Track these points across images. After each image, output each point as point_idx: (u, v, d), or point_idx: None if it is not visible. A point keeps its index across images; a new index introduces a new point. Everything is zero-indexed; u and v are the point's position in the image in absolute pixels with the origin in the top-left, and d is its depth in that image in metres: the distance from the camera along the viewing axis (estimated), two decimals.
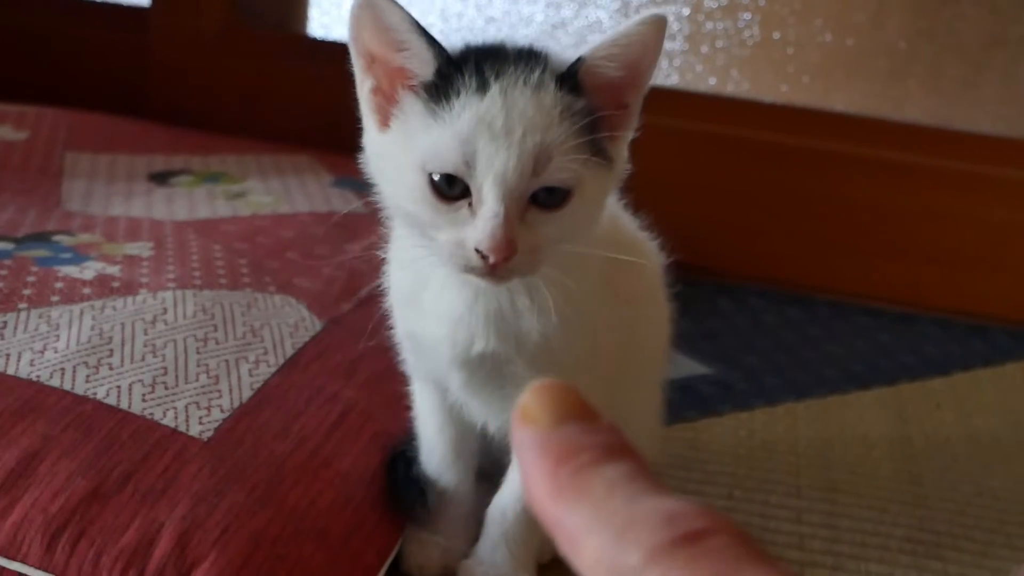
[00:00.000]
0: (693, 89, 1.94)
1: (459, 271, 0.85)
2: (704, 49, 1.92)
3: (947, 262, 1.84)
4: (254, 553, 0.95)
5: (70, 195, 1.62)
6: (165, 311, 1.20)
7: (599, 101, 0.85)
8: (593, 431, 0.37)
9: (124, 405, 1.05)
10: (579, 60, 0.84)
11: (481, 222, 0.81)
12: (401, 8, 0.83)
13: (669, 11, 1.85)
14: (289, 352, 1.19)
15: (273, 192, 1.69)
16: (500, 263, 0.81)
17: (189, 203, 1.62)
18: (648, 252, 1.09)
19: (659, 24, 0.83)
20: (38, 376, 1.07)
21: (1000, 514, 1.30)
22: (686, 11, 1.91)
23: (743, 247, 1.91)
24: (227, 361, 1.14)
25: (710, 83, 1.92)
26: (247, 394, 1.10)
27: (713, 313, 1.81)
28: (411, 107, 0.85)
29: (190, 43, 2.05)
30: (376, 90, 0.87)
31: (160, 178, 1.73)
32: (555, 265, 0.87)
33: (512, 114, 0.81)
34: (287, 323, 1.24)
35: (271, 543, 0.96)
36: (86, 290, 1.23)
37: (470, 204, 0.82)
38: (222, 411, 1.07)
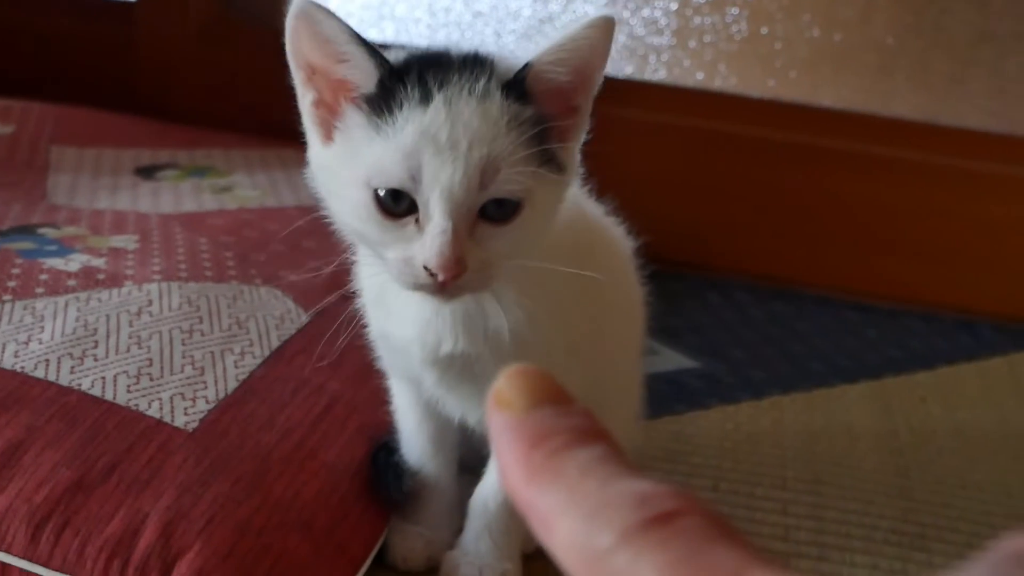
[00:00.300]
0: (681, 84, 1.94)
1: (409, 288, 0.83)
2: (692, 44, 1.92)
3: (933, 257, 1.84)
4: (239, 543, 0.95)
5: (56, 189, 1.61)
6: (150, 303, 1.20)
7: (548, 107, 0.83)
8: (567, 414, 0.37)
9: (109, 396, 1.05)
10: (526, 66, 0.82)
11: (429, 239, 0.79)
12: (338, 19, 0.80)
13: (658, 6, 1.86)
14: (275, 344, 1.19)
15: (260, 186, 1.69)
16: (449, 281, 0.80)
17: (175, 197, 1.62)
18: (616, 238, 1.09)
19: (607, 26, 0.81)
20: (22, 367, 1.07)
21: (985, 506, 1.30)
22: (674, 6, 1.91)
23: (730, 242, 1.91)
24: (212, 352, 1.14)
25: (698, 78, 1.92)
26: (232, 385, 1.10)
27: (700, 307, 1.81)
28: (353, 120, 0.83)
29: (177, 36, 2.05)
30: (318, 103, 0.85)
31: (146, 172, 1.73)
32: (510, 280, 0.87)
33: (457, 126, 0.78)
34: (273, 315, 1.24)
35: (256, 534, 0.96)
36: (71, 282, 1.22)
37: (417, 220, 0.80)
38: (207, 402, 1.07)
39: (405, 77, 0.81)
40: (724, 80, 1.91)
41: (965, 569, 0.31)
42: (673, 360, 1.60)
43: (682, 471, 1.32)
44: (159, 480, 0.98)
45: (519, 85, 0.82)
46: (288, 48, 0.82)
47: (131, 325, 1.15)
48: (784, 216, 1.88)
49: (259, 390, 1.11)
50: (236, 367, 1.13)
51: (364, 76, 0.81)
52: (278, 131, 1.94)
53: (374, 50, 0.81)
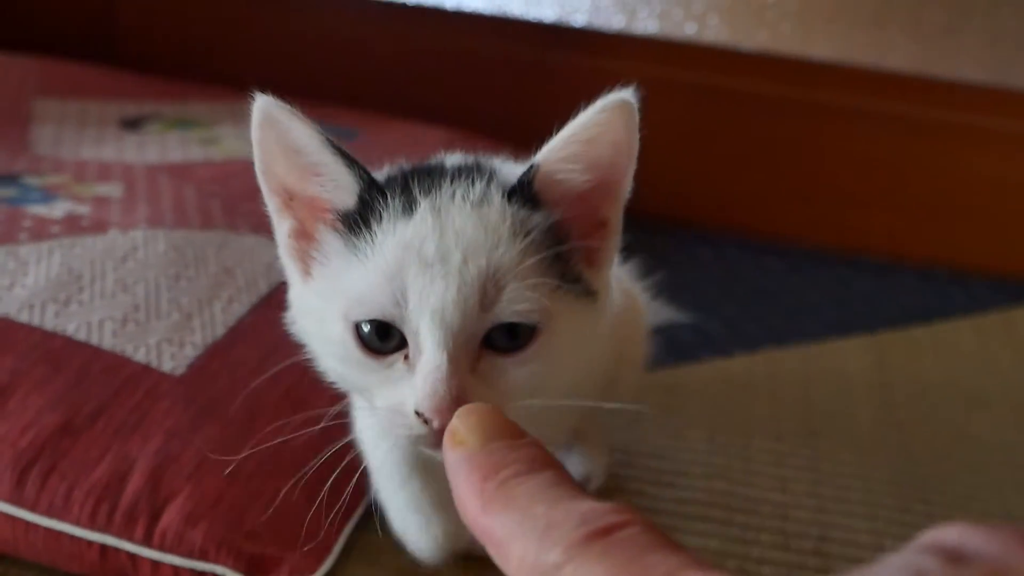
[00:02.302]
0: (671, 36, 1.91)
1: (403, 442, 0.70)
2: None
3: (927, 212, 1.82)
4: (229, 488, 0.93)
5: (39, 140, 1.58)
6: (136, 249, 1.17)
7: (568, 216, 0.68)
8: (517, 447, 0.42)
9: (95, 341, 1.03)
10: (532, 167, 0.66)
11: (420, 377, 0.62)
12: (308, 123, 0.65)
13: None
14: (263, 291, 1.16)
15: (246, 138, 1.66)
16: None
17: (161, 148, 1.59)
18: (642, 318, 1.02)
19: (624, 110, 0.65)
20: (6, 312, 1.04)
21: (985, 457, 1.29)
22: None
23: (721, 197, 1.89)
24: (200, 299, 1.12)
25: (688, 30, 1.89)
26: (220, 331, 1.08)
27: (692, 263, 1.79)
28: (331, 246, 0.68)
29: None
30: (297, 233, 0.70)
31: (131, 124, 1.70)
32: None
33: (447, 235, 0.63)
34: (260, 263, 1.21)
35: (247, 479, 0.95)
36: (55, 228, 1.20)
37: (407, 357, 0.64)
38: (195, 348, 1.05)
39: (387, 188, 0.67)
40: (715, 32, 1.88)
41: (886, 560, 0.34)
42: (664, 314, 1.58)
43: (677, 423, 1.30)
44: (147, 425, 0.96)
45: (526, 189, 0.67)
46: (257, 167, 0.69)
47: (116, 271, 1.13)
48: (777, 171, 1.86)
49: (248, 336, 1.09)
50: (224, 313, 1.11)
51: (341, 191, 0.67)
52: (263, 84, 1.93)
53: (352, 160, 0.67)
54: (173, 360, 1.03)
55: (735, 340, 1.54)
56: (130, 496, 0.91)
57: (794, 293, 1.72)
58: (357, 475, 1.03)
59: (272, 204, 0.70)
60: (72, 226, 1.21)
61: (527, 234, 0.65)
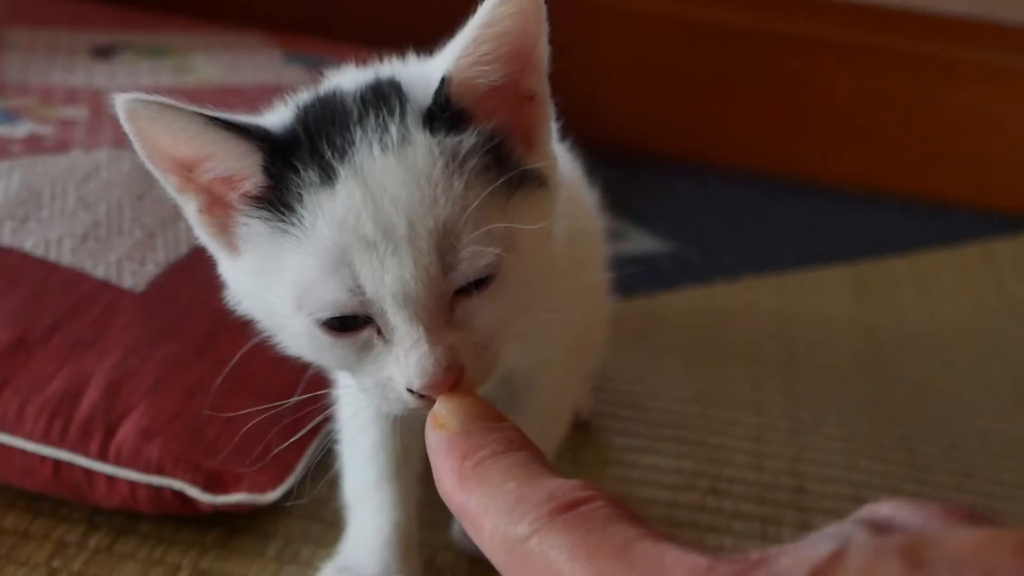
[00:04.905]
0: None
1: (402, 415, 0.63)
2: None
3: (910, 146, 1.80)
4: (188, 404, 0.91)
5: (7, 67, 1.55)
6: (99, 169, 1.14)
7: (495, 115, 0.61)
8: (495, 429, 0.45)
9: (53, 257, 1.00)
10: (443, 82, 0.59)
11: (403, 358, 0.57)
12: (178, 106, 0.59)
13: None
14: None
15: (220, 65, 1.63)
16: (451, 390, 0.57)
17: (132, 75, 1.56)
18: (595, 218, 0.91)
19: None
20: None
21: (961, 385, 1.28)
22: None
23: (703, 130, 1.87)
24: (163, 218, 1.09)
25: None
26: (184, 250, 1.06)
27: (673, 195, 1.76)
28: (254, 230, 0.60)
29: None
30: (208, 206, 0.62)
31: (103, 53, 1.67)
32: (520, 340, 0.67)
33: (381, 204, 0.56)
34: None
35: (206, 396, 0.92)
36: (16, 148, 1.17)
37: (379, 331, 0.59)
38: (157, 265, 1.03)
39: (295, 153, 0.59)
40: None
41: (824, 530, 0.36)
42: (644, 243, 1.57)
43: (651, 352, 1.28)
44: (104, 340, 0.94)
45: (445, 108, 0.60)
46: (142, 155, 0.61)
47: (78, 190, 1.10)
48: (759, 105, 1.84)
49: (212, 263, 1.06)
50: (188, 232, 1.07)
51: (241, 167, 0.60)
52: (240, 15, 1.90)
53: (243, 129, 0.59)
54: (134, 277, 1.00)
55: (715, 268, 1.52)
56: (85, 411, 0.89)
57: (775, 224, 1.71)
58: (323, 398, 1.02)
59: (171, 186, 0.62)
60: (34, 145, 1.18)
61: (463, 164, 0.58)
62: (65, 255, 1.01)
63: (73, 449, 0.88)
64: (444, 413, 0.47)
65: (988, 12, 1.75)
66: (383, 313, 0.57)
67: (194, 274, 1.03)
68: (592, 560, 0.37)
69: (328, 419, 0.93)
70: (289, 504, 0.93)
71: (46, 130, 1.23)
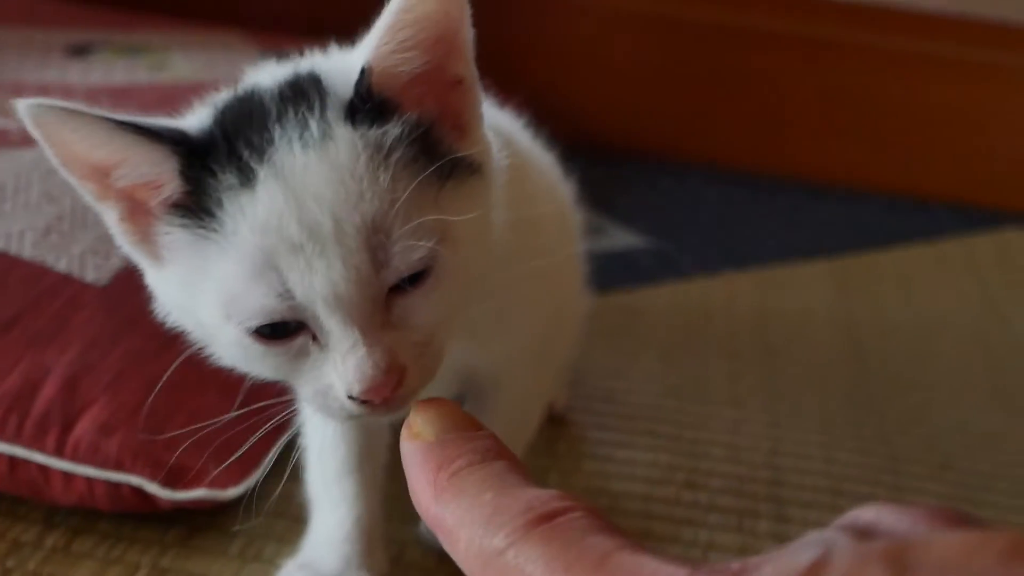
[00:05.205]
0: None
1: (343, 422, 0.63)
2: None
3: (889, 142, 1.79)
4: (150, 398, 0.89)
5: None
6: None
7: (420, 102, 0.59)
8: (471, 439, 0.43)
9: (13, 251, 0.99)
10: (363, 72, 0.57)
11: (340, 363, 0.56)
12: (84, 111, 0.56)
13: None
14: None
15: (197, 62, 1.62)
16: (392, 397, 0.56)
17: (106, 73, 1.54)
18: (552, 202, 0.85)
19: None
20: None
21: (941, 376, 1.26)
22: None
23: (683, 127, 1.85)
24: None
25: None
26: None
27: (652, 192, 1.75)
28: (174, 238, 0.58)
29: None
30: (129, 214, 0.60)
31: (78, 51, 1.65)
32: (472, 336, 0.66)
33: (304, 203, 0.54)
34: None
35: (168, 390, 0.90)
36: None
37: (314, 337, 0.57)
38: (120, 259, 1.01)
39: (211, 156, 0.57)
40: None
41: (806, 537, 0.35)
42: (623, 239, 1.55)
43: (629, 345, 1.27)
44: (65, 334, 0.92)
45: (367, 99, 0.57)
46: (55, 162, 0.58)
47: (43, 183, 1.08)
48: (739, 102, 1.82)
49: None
50: None
51: (157, 173, 0.57)
52: (218, 14, 1.88)
53: (156, 133, 0.57)
54: (97, 271, 0.99)
55: (694, 263, 1.50)
56: (42, 405, 0.87)
57: (755, 221, 1.69)
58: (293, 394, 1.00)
59: (89, 194, 0.60)
60: (0, 139, 1.16)
61: (387, 156, 0.56)
62: (27, 248, 0.99)
63: (29, 445, 0.86)
64: (419, 422, 0.44)
65: (968, 8, 1.74)
66: (315, 318, 0.55)
67: None
68: (569, 573, 0.36)
69: (294, 413, 0.91)
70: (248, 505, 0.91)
71: (12, 124, 1.21)
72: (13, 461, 0.86)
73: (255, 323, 0.55)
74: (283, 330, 0.56)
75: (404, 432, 0.44)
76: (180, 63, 1.61)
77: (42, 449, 0.86)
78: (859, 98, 1.78)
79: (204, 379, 0.91)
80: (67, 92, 1.39)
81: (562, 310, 0.88)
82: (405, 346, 0.56)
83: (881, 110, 1.78)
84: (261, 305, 0.55)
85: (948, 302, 1.47)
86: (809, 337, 1.33)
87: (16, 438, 0.86)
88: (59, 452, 0.86)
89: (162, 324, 0.91)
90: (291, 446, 0.93)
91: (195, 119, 0.60)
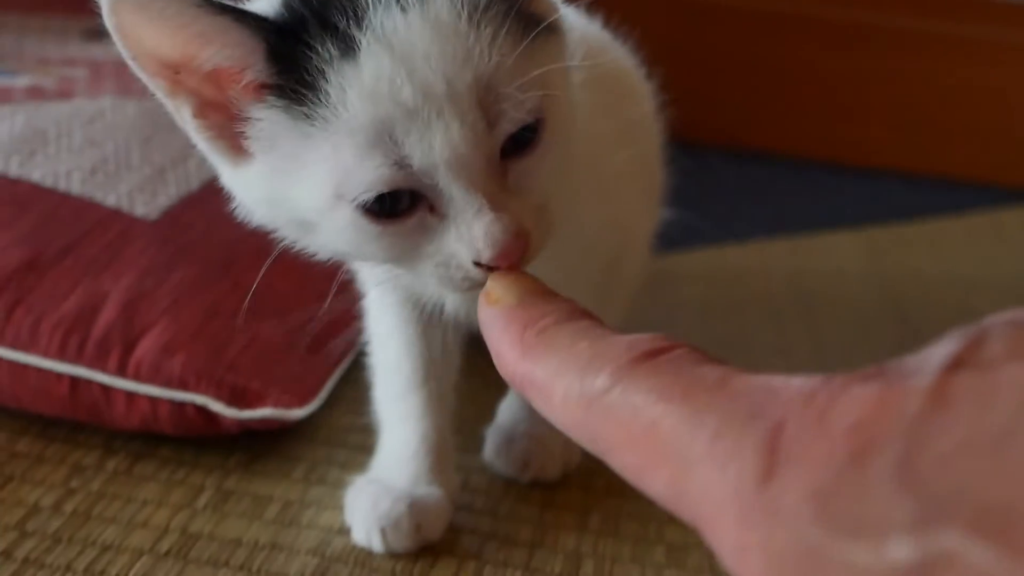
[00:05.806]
0: None
1: (461, 292, 0.59)
2: None
3: (912, 123, 1.79)
4: (208, 323, 0.88)
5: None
6: (103, 114, 1.12)
7: None
8: (554, 300, 0.42)
9: (62, 188, 0.98)
10: None
11: (467, 230, 0.54)
12: None
13: None
14: None
15: None
16: (519, 260, 0.54)
17: None
18: (625, 61, 0.90)
19: None
20: None
21: None
22: None
23: (704, 109, 1.84)
24: (173, 157, 1.06)
25: None
26: (195, 184, 1.03)
27: (674, 171, 1.74)
28: (270, 124, 0.56)
29: None
30: (203, 109, 0.57)
31: (95, 34, 1.64)
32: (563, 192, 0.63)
33: (416, 66, 0.52)
34: None
35: (227, 316, 0.89)
36: (18, 95, 1.15)
37: (432, 208, 0.55)
38: (169, 198, 1.00)
39: (304, 31, 0.54)
40: None
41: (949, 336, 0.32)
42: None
43: (666, 304, 1.25)
44: (119, 263, 0.91)
45: None
46: (126, 55, 0.55)
47: (84, 130, 1.07)
48: (761, 83, 1.82)
49: (224, 191, 1.04)
50: (199, 170, 1.05)
51: (242, 55, 0.54)
52: None
53: (241, 12, 0.54)
54: (146, 207, 0.97)
55: (724, 233, 1.49)
56: (102, 328, 0.85)
57: (778, 197, 1.68)
58: (344, 327, 0.98)
59: (160, 89, 0.56)
60: (36, 94, 1.16)
61: (484, 13, 0.54)
62: (75, 186, 0.98)
63: (91, 365, 0.84)
64: (498, 289, 0.43)
65: None
66: (434, 186, 0.54)
67: (207, 207, 1.00)
68: (688, 399, 0.33)
69: (356, 341, 0.90)
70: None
71: (47, 82, 1.20)
72: (75, 382, 0.84)
73: (372, 194, 0.54)
74: (397, 207, 0.55)
75: (482, 299, 0.43)
76: None
77: (104, 369, 0.84)
78: (885, 79, 1.78)
79: (263, 308, 0.90)
80: (93, 64, 1.38)
81: (634, 229, 0.88)
82: (528, 210, 0.55)
83: (907, 91, 1.78)
84: (378, 175, 0.53)
85: (980, 266, 1.46)
86: (847, 297, 1.32)
87: (78, 358, 0.84)
88: (121, 372, 0.84)
89: (214, 255, 0.91)
90: (351, 377, 0.92)
91: (266, 3, 0.57)
